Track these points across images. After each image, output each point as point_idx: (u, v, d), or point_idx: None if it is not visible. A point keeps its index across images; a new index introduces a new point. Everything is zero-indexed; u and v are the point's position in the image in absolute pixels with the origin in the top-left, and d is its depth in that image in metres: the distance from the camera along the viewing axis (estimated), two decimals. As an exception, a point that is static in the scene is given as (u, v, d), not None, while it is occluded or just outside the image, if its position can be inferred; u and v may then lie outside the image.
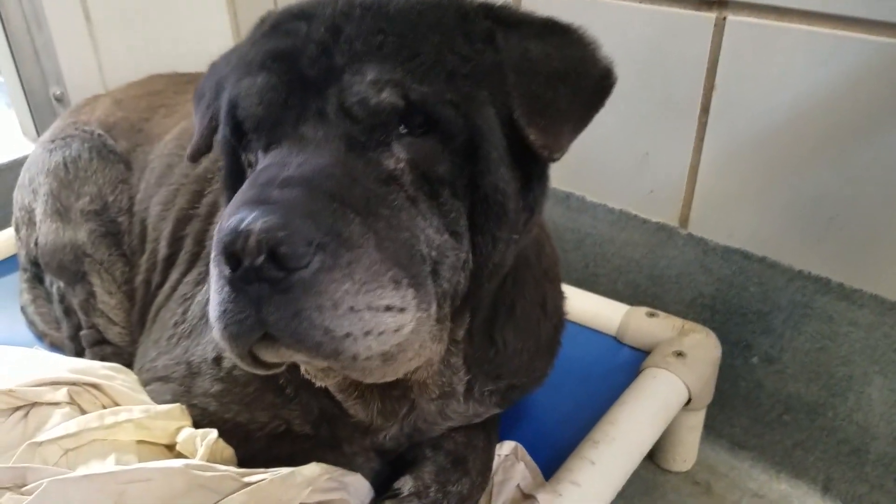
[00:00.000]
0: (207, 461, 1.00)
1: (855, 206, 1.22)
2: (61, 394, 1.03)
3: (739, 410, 1.51)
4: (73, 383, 1.06)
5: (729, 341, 1.45)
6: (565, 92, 0.80)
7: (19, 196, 1.46)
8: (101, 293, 1.31)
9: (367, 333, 0.68)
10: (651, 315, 1.44)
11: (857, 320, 1.29)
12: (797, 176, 1.26)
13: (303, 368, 0.88)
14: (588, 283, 1.64)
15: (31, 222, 1.43)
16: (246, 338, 0.69)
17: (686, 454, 1.48)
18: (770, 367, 1.43)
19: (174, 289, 1.18)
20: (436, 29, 0.78)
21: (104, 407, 1.07)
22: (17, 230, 1.50)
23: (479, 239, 0.80)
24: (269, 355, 0.72)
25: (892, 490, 1.33)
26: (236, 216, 0.66)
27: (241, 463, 1.03)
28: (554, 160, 0.80)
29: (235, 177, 0.85)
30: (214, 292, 0.69)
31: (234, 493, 0.92)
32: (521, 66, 0.79)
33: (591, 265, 1.64)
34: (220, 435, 1.02)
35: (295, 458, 1.00)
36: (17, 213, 1.48)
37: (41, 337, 1.51)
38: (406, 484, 1.01)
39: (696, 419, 1.42)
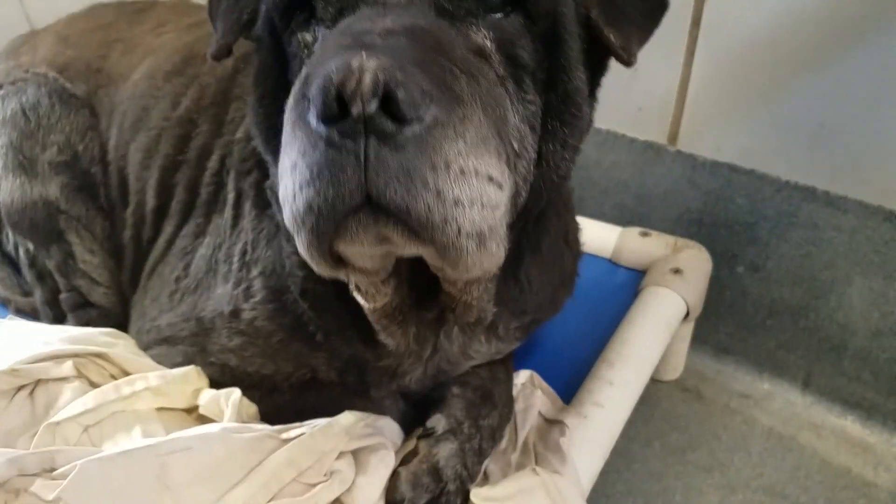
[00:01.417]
0: (236, 422, 0.97)
1: (842, 113, 1.24)
2: (67, 367, 0.97)
3: (724, 318, 1.57)
4: (76, 355, 0.99)
5: (715, 253, 1.49)
6: (634, 2, 0.79)
7: (-36, 149, 1.31)
8: (80, 252, 1.21)
9: (472, 202, 0.60)
10: (644, 235, 1.46)
11: (840, 225, 1.34)
12: (787, 86, 1.28)
13: (354, 284, 0.82)
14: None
15: (-17, 178, 1.29)
16: (344, 205, 0.59)
17: (676, 363, 1.55)
18: (755, 274, 1.49)
19: (171, 242, 1.10)
20: None
21: (113, 377, 1.01)
22: (-35, 187, 1.36)
23: (548, 145, 0.76)
24: (360, 236, 0.62)
25: (868, 381, 1.43)
26: (337, 58, 0.56)
27: (268, 416, 1.00)
28: (630, 64, 0.77)
29: (275, 70, 0.77)
30: (297, 155, 0.59)
31: (275, 451, 0.90)
32: None
33: (578, 189, 1.62)
34: (243, 390, 0.99)
35: (323, 407, 0.98)
36: (-38, 168, 1.34)
37: (4, 303, 1.41)
38: (439, 422, 1.01)
39: (687, 329, 1.48)
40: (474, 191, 0.61)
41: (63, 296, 1.25)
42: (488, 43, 0.70)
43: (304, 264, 0.91)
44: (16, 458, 0.82)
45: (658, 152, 1.49)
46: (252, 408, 1.01)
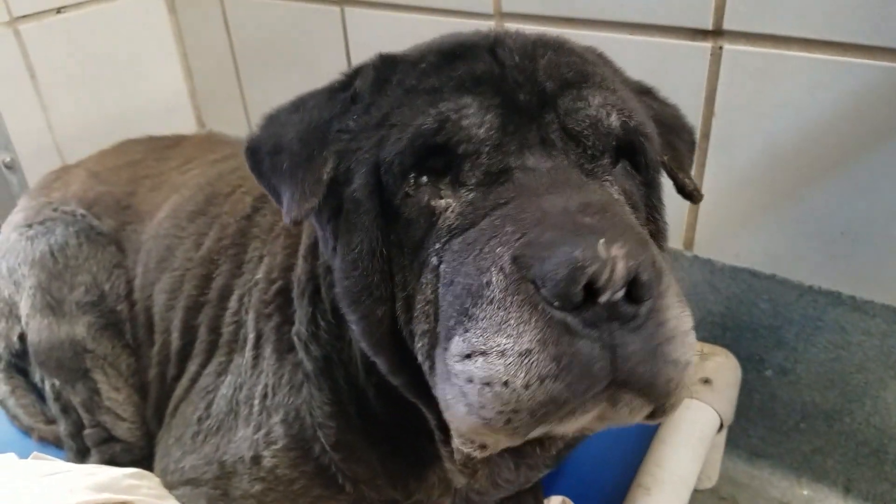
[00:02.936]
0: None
1: (866, 220, 1.24)
2: (93, 518, 0.95)
3: (755, 421, 1.53)
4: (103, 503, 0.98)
5: (741, 357, 1.46)
6: (681, 144, 0.87)
7: (-6, 287, 1.34)
8: (106, 389, 1.21)
9: (693, 356, 0.62)
10: (668, 341, 1.44)
11: (869, 329, 1.32)
12: (805, 195, 1.28)
13: (464, 444, 0.73)
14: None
15: (12, 315, 1.31)
16: (590, 395, 0.57)
17: (710, 472, 1.50)
18: (784, 378, 1.46)
19: (194, 381, 1.11)
20: (609, 70, 0.82)
21: (138, 523, 0.99)
22: (-6, 322, 1.38)
23: None
24: (585, 418, 0.61)
25: (912, 486, 1.38)
26: (575, 244, 0.56)
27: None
28: (699, 201, 0.87)
29: (375, 231, 0.74)
30: (533, 342, 0.56)
31: None
32: (655, 117, 0.84)
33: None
34: (266, 534, 0.97)
35: (346, 549, 0.97)
36: (-8, 304, 1.36)
37: (27, 432, 1.41)
38: None
39: (720, 438, 1.44)
40: (693, 345, 0.62)
41: (87, 431, 1.25)
42: (621, 197, 0.73)
43: (336, 415, 0.91)
44: None
45: (675, 258, 1.49)
46: (276, 553, 0.98)
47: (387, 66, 0.80)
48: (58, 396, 1.28)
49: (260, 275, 1.04)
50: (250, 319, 1.03)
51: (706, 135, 1.35)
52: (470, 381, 0.61)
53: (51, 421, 1.37)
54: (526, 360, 0.57)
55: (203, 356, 1.10)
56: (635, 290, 0.56)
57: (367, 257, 0.74)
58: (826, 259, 1.31)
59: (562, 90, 0.72)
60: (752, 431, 1.55)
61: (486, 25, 1.26)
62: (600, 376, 0.57)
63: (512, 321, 0.58)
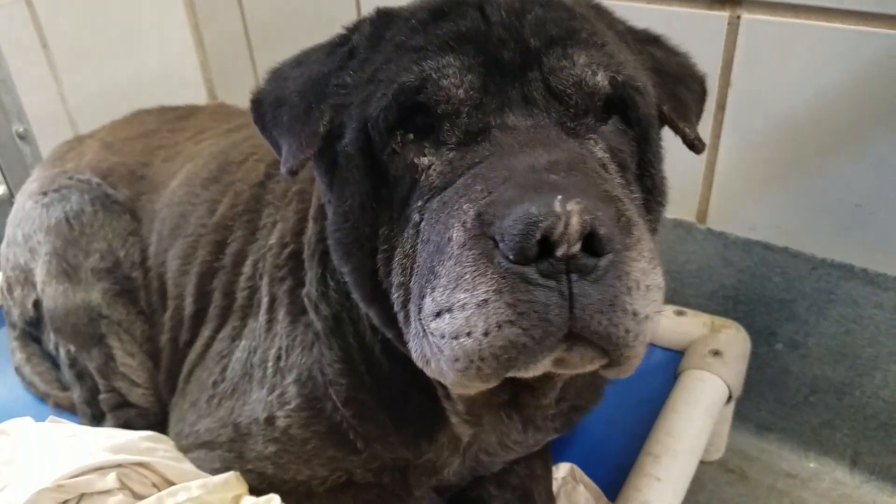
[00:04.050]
0: (274, 530, 0.96)
1: (881, 192, 1.24)
2: (111, 480, 0.98)
3: (765, 395, 1.54)
4: (119, 465, 1.00)
5: (753, 330, 1.46)
6: (687, 93, 0.85)
7: (11, 254, 1.35)
8: (121, 355, 1.23)
9: (655, 312, 0.64)
10: (679, 313, 1.44)
11: (882, 303, 1.32)
12: (821, 168, 1.27)
13: (452, 388, 0.79)
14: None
15: (27, 282, 1.33)
16: (550, 342, 0.60)
17: (718, 443, 1.50)
18: (795, 351, 1.46)
19: (208, 346, 1.12)
20: (601, 23, 0.80)
21: (154, 485, 1.01)
22: (10, 289, 1.40)
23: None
24: (545, 364, 0.64)
25: (921, 460, 1.39)
26: (533, 200, 0.58)
27: (306, 522, 1.00)
28: (701, 151, 0.84)
29: (364, 186, 0.76)
30: (489, 292, 0.60)
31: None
32: (656, 67, 0.83)
33: (608, 266, 1.63)
34: (281, 495, 0.99)
35: (361, 510, 0.98)
36: (8, 272, 1.38)
37: (43, 399, 1.43)
38: None
39: (728, 410, 1.44)
40: (657, 302, 0.64)
41: (102, 396, 1.26)
42: (607, 155, 0.74)
43: (347, 373, 0.92)
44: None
45: (688, 230, 1.49)
46: (290, 514, 1.00)
47: (383, 21, 0.81)
48: (73, 363, 1.29)
49: (273, 240, 1.05)
50: (264, 284, 1.04)
51: (722, 106, 1.34)
52: (443, 337, 0.65)
53: (65, 388, 1.39)
54: (484, 310, 0.60)
55: (217, 321, 1.11)
56: (593, 243, 0.58)
57: (357, 210, 0.77)
58: (840, 232, 1.31)
59: (547, 47, 0.72)
60: (761, 405, 1.55)
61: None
62: (557, 323, 0.59)
63: (468, 275, 0.61)
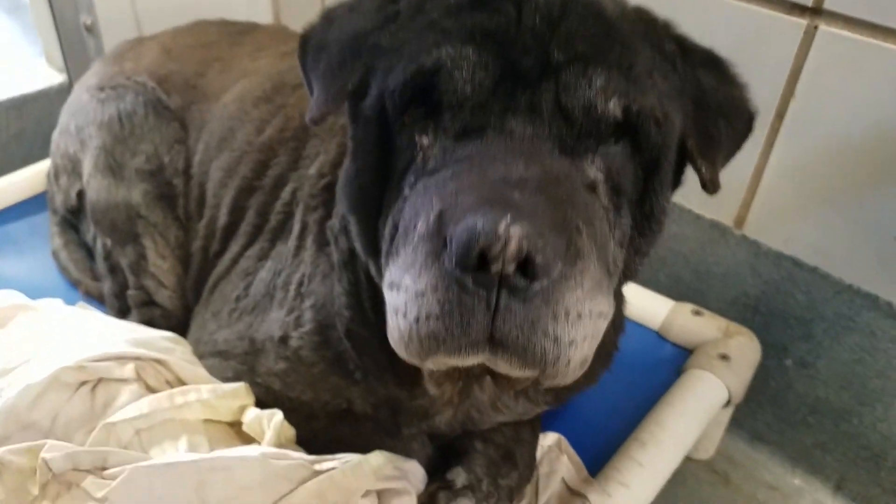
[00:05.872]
0: (275, 443, 1.01)
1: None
2: (128, 370, 1.03)
3: (765, 407, 1.55)
4: (138, 358, 1.05)
5: (766, 342, 1.47)
6: (725, 128, 0.82)
7: (62, 142, 1.39)
8: (153, 256, 1.27)
9: (584, 338, 0.67)
10: (696, 313, 1.45)
11: (899, 338, 1.31)
12: (867, 196, 1.26)
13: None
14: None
15: (74, 172, 1.37)
16: (467, 343, 0.66)
17: (709, 444, 1.53)
18: (803, 370, 1.47)
19: (235, 261, 1.16)
20: (643, 41, 0.78)
21: (168, 382, 1.07)
22: (57, 176, 1.45)
23: (631, 257, 0.80)
24: (469, 360, 0.69)
25: (904, 497, 1.40)
26: (483, 216, 0.62)
27: (303, 440, 1.05)
28: (713, 193, 0.82)
29: (376, 149, 0.80)
30: (426, 285, 0.65)
31: (306, 481, 0.94)
32: (698, 96, 0.81)
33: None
34: (283, 412, 1.04)
35: (355, 440, 1.03)
36: (57, 159, 1.42)
37: (75, 285, 1.49)
38: (459, 476, 1.04)
39: (725, 415, 1.46)
40: (587, 329, 0.67)
41: (130, 292, 1.32)
42: (600, 175, 0.74)
43: (352, 306, 0.96)
44: (73, 454, 0.88)
45: (723, 233, 1.48)
46: (290, 431, 1.05)
47: None
48: (108, 256, 1.35)
49: (313, 170, 1.07)
50: (299, 211, 1.07)
51: (781, 115, 1.32)
52: (391, 307, 0.70)
53: (97, 278, 1.45)
54: (419, 300, 0.66)
55: (246, 238, 1.15)
56: (527, 268, 0.62)
57: (365, 172, 0.81)
58: (872, 262, 1.30)
59: (568, 63, 0.72)
60: (759, 415, 1.57)
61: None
62: (476, 328, 0.64)
63: (417, 265, 0.66)
